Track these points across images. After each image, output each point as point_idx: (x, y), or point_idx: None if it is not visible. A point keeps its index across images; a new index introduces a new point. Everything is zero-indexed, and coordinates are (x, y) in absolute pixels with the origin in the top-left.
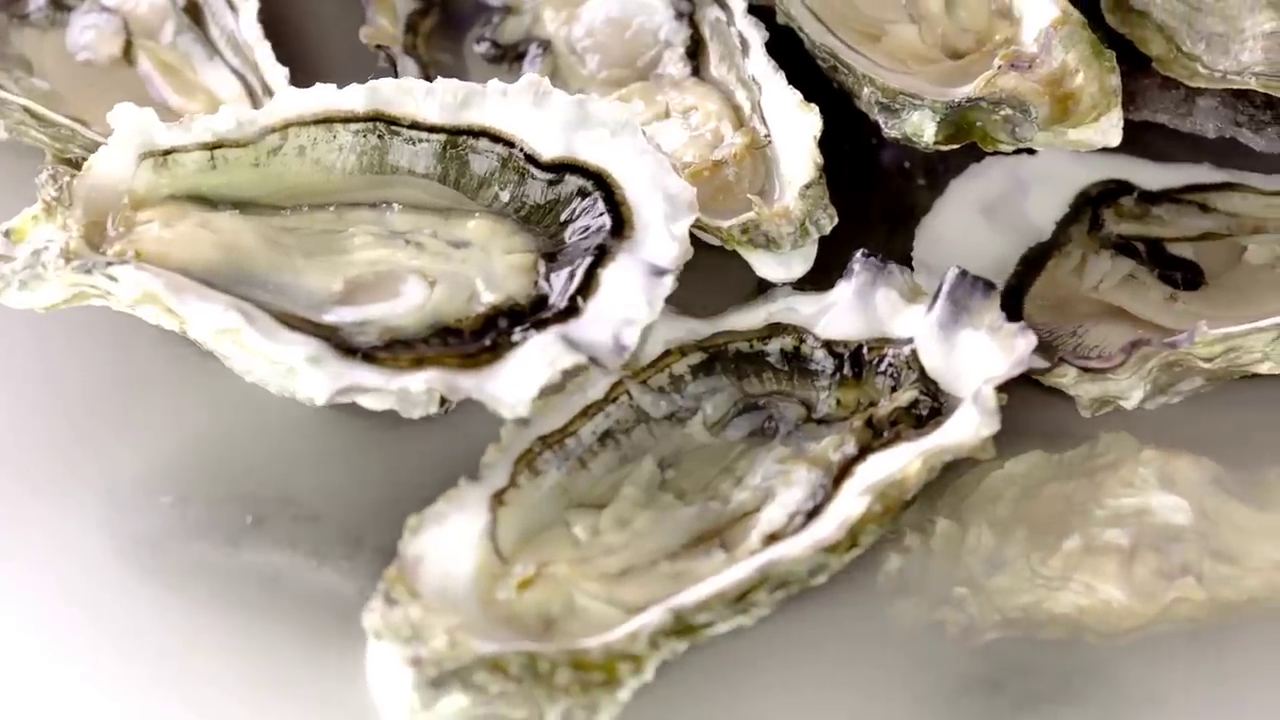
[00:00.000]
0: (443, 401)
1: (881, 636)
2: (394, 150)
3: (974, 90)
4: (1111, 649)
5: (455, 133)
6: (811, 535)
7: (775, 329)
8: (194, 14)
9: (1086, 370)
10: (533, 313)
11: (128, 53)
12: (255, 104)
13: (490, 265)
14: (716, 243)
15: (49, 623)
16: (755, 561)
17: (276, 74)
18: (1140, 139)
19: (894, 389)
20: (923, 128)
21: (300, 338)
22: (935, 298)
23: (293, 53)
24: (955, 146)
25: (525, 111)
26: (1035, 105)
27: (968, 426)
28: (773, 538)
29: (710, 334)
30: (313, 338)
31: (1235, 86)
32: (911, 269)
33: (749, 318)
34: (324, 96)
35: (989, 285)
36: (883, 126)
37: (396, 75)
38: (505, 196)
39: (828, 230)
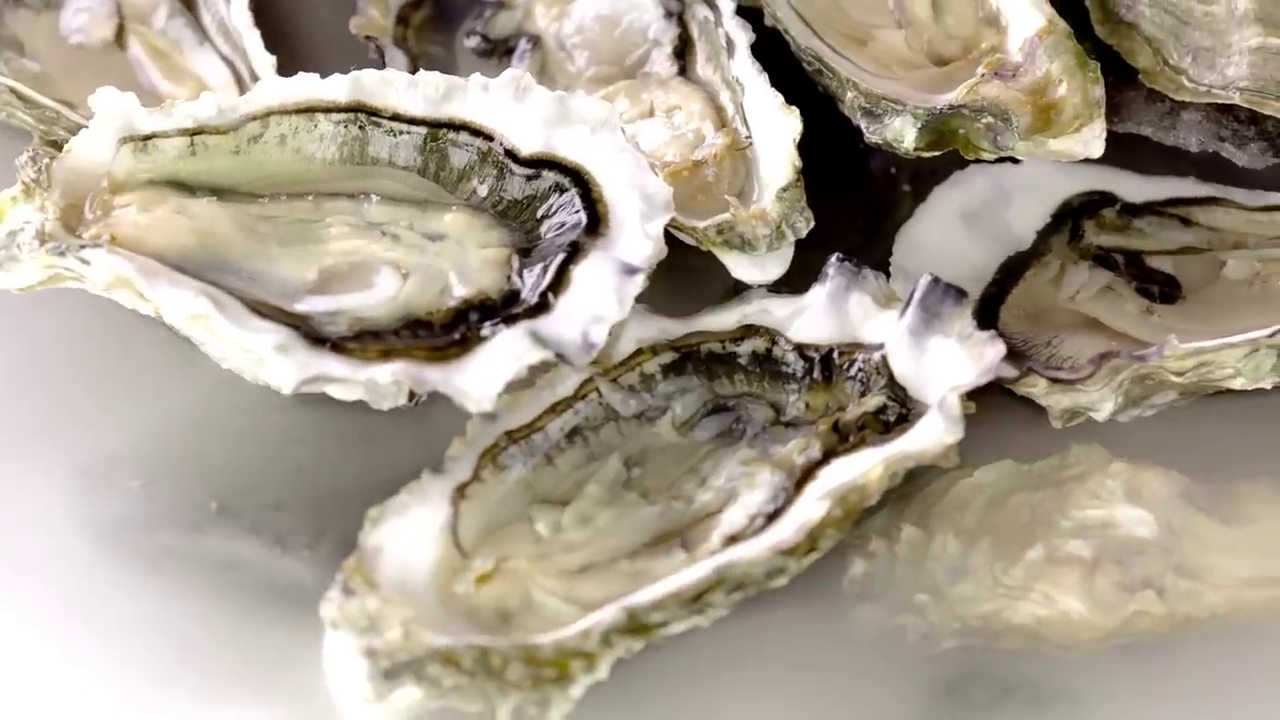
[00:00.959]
0: (412, 394)
1: (843, 641)
2: (375, 141)
3: (956, 97)
4: (1069, 660)
5: (436, 125)
6: (770, 538)
7: (748, 331)
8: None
9: (1055, 381)
10: (504, 307)
11: (120, 37)
12: (242, 91)
13: (464, 259)
14: (694, 243)
15: (12, 600)
16: (712, 562)
17: (264, 62)
18: (1125, 151)
19: (863, 394)
20: (903, 134)
21: (270, 325)
22: (907, 304)
23: (283, 41)
24: (937, 153)
25: (506, 106)
26: (1017, 114)
27: (932, 433)
28: (733, 539)
29: (683, 334)
30: (282, 326)
31: (1220, 101)
32: (889, 275)
33: (722, 319)
34: (306, 86)
35: (961, 293)
36: (864, 131)
37: (384, 67)
38: (483, 191)
39: (804, 233)
